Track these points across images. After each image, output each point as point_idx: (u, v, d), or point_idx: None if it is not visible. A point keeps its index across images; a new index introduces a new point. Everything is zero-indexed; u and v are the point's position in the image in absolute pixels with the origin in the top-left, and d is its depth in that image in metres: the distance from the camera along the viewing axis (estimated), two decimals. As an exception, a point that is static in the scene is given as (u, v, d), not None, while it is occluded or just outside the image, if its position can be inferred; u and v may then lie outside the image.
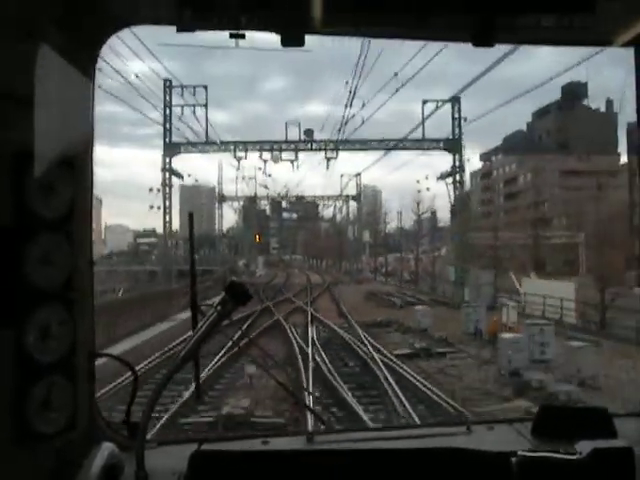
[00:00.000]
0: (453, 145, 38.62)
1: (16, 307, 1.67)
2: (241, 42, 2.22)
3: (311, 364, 15.86)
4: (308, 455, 2.07)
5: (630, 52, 2.37)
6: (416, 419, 11.05)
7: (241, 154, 42.31)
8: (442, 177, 38.21)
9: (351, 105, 36.36)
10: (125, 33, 2.14)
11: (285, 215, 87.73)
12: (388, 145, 41.33)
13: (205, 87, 40.58)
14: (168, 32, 2.12)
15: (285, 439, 2.44)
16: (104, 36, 2.10)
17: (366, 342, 19.73)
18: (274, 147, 42.21)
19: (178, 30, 2.03)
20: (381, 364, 16.20)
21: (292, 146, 41.60)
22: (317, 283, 47.41)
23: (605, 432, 2.04)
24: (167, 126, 40.94)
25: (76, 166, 1.85)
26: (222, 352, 16.64)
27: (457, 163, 38.51)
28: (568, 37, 2.28)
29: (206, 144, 41.49)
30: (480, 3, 1.91)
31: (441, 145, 39.24)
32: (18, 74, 1.71)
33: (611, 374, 15.84)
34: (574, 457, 1.87)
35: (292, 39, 1.96)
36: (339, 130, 38.32)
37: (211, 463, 1.92)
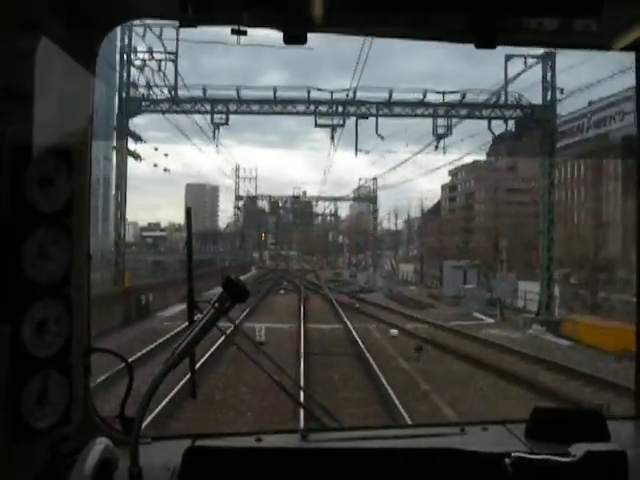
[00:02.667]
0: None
1: (13, 301, 1.64)
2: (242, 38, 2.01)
3: (302, 294, 36.90)
4: (302, 453, 2.04)
5: (631, 56, 2.35)
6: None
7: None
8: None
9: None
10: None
11: (282, 213, 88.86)
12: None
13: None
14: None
15: (279, 436, 2.41)
16: (105, 30, 2.05)
17: (324, 285, 47.09)
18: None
19: (180, 25, 2.03)
20: (326, 289, 42.40)
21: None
22: (308, 269, 75.64)
23: (598, 434, 2.02)
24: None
25: (74, 160, 1.81)
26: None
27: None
28: (569, 40, 2.23)
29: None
30: (482, 4, 1.87)
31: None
32: (17, 68, 1.68)
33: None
34: (568, 459, 1.84)
35: (294, 37, 1.94)
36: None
37: (205, 459, 1.91)
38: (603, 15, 1.85)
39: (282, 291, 41.70)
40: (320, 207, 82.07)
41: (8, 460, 1.67)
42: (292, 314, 27.12)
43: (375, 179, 63.49)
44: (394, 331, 21.70)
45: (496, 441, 2.13)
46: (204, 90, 27.23)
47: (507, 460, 1.83)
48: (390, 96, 27.09)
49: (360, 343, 18.48)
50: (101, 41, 2.03)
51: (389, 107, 27.29)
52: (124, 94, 27.69)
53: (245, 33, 2.04)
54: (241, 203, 76.62)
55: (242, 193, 73.41)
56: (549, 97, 27.33)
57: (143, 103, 27.61)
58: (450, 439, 2.19)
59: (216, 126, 27.43)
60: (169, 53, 26.98)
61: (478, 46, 1.95)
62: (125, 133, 28.03)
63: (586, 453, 1.83)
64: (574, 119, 37.92)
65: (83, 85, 1.98)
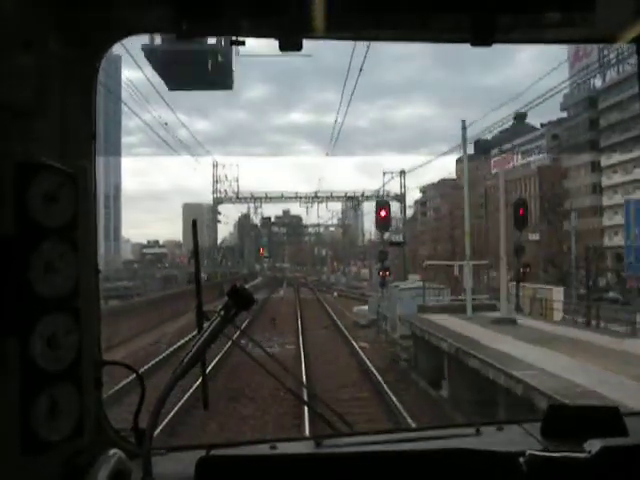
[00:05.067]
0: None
1: (21, 316, 1.62)
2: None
3: (296, 287, 61.81)
4: (317, 459, 2.03)
5: (632, 49, 2.32)
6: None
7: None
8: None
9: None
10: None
11: (274, 229, 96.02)
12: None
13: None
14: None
15: (293, 444, 2.38)
16: (105, 45, 2.04)
17: (309, 283, 74.43)
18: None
19: (178, 37, 2.00)
20: (310, 285, 71.65)
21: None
22: (299, 276, 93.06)
23: (615, 431, 1.96)
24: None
25: (79, 175, 1.77)
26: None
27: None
28: (570, 35, 2.20)
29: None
30: (478, 3, 1.86)
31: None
32: (20, 84, 1.67)
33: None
34: (583, 455, 1.81)
35: (290, 44, 1.92)
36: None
37: (219, 468, 1.88)
38: (603, 8, 1.84)
39: (285, 285, 72.02)
40: (312, 217, 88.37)
41: (22, 474, 1.65)
42: (291, 293, 55.90)
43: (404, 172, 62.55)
44: (335, 294, 54.26)
45: (511, 440, 2.10)
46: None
47: (522, 459, 1.82)
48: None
49: (321, 299, 47.56)
50: (102, 57, 2.03)
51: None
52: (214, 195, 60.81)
53: (243, 43, 2.07)
54: (236, 217, 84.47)
55: (236, 211, 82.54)
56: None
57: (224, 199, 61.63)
58: (465, 440, 2.15)
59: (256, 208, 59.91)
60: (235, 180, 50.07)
61: (474, 44, 1.94)
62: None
63: (602, 449, 1.80)
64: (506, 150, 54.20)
65: (85, 100, 1.97)
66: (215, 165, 59.72)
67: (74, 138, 1.91)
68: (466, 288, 23.10)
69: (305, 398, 4.35)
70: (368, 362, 18.82)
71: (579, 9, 1.88)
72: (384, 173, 56.43)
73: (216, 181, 61.18)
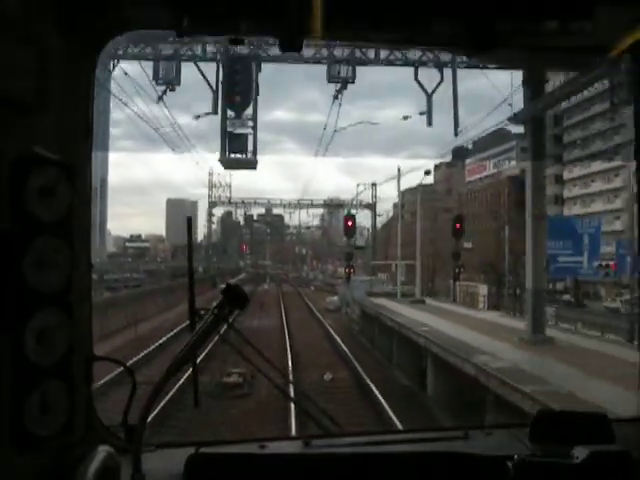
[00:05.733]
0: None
1: (14, 310, 1.60)
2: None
3: (278, 282, 67.01)
4: (305, 459, 2.01)
5: (628, 58, 2.34)
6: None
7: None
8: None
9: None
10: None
11: (256, 226, 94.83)
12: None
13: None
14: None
15: (282, 443, 2.37)
16: (104, 41, 2.01)
17: (290, 279, 73.26)
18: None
19: (178, 35, 2.00)
20: (291, 280, 71.27)
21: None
22: (281, 273, 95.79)
23: (603, 437, 1.94)
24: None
25: (75, 169, 1.76)
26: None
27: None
28: (566, 43, 2.19)
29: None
30: (479, 9, 1.86)
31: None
32: (17, 78, 1.64)
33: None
34: (571, 461, 1.83)
35: (290, 45, 1.92)
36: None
37: (208, 466, 1.90)
38: (600, 18, 1.85)
39: (268, 280, 76.50)
40: (294, 219, 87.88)
41: (11, 469, 1.63)
42: (274, 287, 61.76)
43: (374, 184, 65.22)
44: (312, 288, 59.67)
45: (500, 445, 2.10)
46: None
47: (510, 463, 1.83)
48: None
49: (301, 292, 53.18)
50: (100, 52, 2.01)
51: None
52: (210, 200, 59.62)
53: (243, 42, 2.16)
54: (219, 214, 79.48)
55: (218, 207, 73.98)
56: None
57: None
58: (453, 443, 2.15)
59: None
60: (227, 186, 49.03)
61: (475, 51, 2.00)
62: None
63: (589, 454, 1.82)
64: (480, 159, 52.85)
65: (82, 95, 1.95)
66: (210, 173, 58.92)
67: (72, 133, 1.89)
68: (398, 280, 33.85)
69: (297, 398, 3.79)
70: (331, 331, 27.48)
71: (577, 18, 1.90)
72: (357, 184, 65.57)
73: (212, 187, 62.50)
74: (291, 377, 15.71)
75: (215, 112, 19.72)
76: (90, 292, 2.05)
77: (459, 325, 20.40)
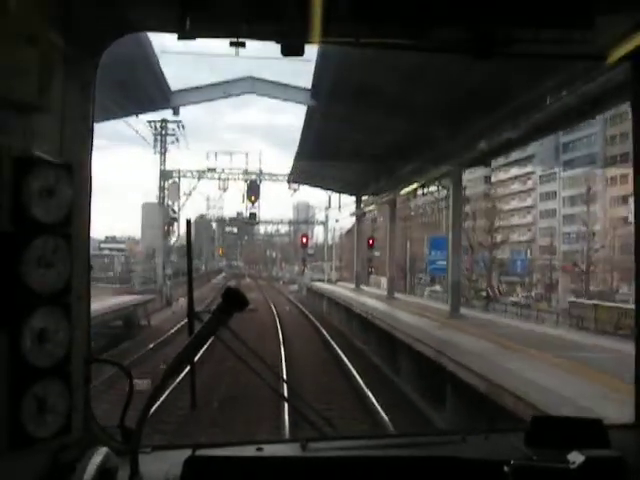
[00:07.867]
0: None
1: (13, 310, 1.60)
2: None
3: (258, 282, 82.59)
4: (303, 462, 2.00)
5: (627, 66, 2.34)
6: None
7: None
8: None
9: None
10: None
11: (227, 229, 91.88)
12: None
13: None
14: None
15: (280, 446, 2.35)
16: (105, 42, 2.02)
17: (265, 278, 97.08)
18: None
19: (179, 38, 1.96)
20: (264, 277, 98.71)
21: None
22: (254, 273, 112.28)
23: (598, 442, 1.97)
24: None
25: (75, 171, 1.75)
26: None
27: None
28: (566, 51, 2.26)
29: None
30: (480, 15, 1.88)
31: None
32: (18, 79, 1.64)
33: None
34: (567, 466, 1.84)
35: (292, 49, 1.94)
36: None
37: (205, 468, 1.88)
38: (599, 26, 1.86)
39: (246, 278, 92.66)
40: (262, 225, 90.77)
41: (8, 469, 1.63)
42: (253, 282, 78.07)
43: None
44: (281, 282, 79.88)
45: (496, 449, 2.11)
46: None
47: (506, 467, 1.84)
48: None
49: (273, 285, 75.45)
50: (101, 53, 2.01)
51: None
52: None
53: (244, 45, 2.07)
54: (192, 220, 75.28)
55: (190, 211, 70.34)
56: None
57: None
58: (451, 447, 2.16)
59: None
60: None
61: (476, 57, 1.97)
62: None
63: (585, 460, 1.84)
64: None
65: (84, 96, 1.96)
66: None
67: (72, 133, 1.89)
68: (325, 273, 58.86)
69: (287, 397, 3.77)
70: (291, 297, 50.96)
71: (577, 26, 1.91)
72: (309, 206, 79.32)
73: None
74: (282, 352, 19.53)
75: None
76: (89, 293, 2.03)
77: (355, 292, 38.81)
